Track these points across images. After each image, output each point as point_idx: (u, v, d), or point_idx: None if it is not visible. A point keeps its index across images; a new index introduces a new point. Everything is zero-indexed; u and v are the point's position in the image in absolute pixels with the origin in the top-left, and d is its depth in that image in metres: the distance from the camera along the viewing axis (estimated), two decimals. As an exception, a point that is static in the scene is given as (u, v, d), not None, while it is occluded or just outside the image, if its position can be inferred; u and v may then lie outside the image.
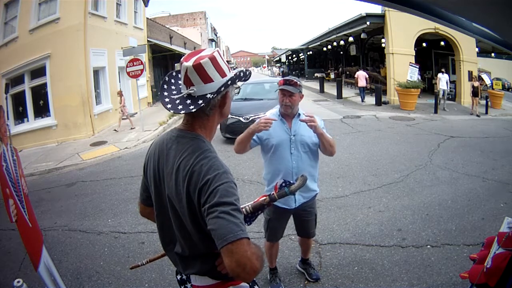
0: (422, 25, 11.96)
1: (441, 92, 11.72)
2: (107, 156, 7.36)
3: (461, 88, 12.89)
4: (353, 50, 17.50)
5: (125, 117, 9.93)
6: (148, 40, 14.77)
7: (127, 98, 12.93)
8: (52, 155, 7.79)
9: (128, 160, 6.92)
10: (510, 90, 16.54)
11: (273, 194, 1.55)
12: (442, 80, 11.87)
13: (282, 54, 37.97)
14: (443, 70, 12.54)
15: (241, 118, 7.16)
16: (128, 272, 2.91)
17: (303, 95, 2.29)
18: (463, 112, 11.44)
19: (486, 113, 11.28)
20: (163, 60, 17.85)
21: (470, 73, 12.82)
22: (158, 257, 1.56)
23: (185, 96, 1.12)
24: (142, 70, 9.50)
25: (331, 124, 9.02)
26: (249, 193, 4.39)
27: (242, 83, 1.19)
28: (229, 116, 6.50)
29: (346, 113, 10.87)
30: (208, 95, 1.09)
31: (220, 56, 1.14)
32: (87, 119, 9.46)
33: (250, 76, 1.22)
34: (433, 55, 15.87)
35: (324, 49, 23.19)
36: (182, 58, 1.14)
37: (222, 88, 1.11)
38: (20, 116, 9.30)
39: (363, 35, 13.96)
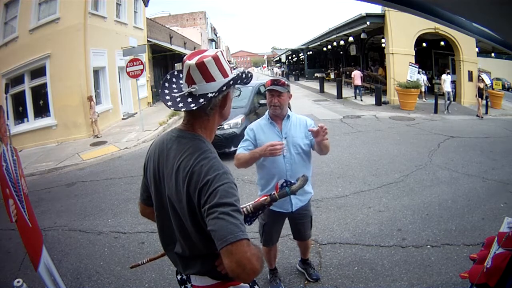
0: (422, 25, 11.96)
1: (446, 95, 11.30)
2: (107, 156, 7.36)
3: (461, 88, 12.90)
4: (353, 50, 17.50)
5: (93, 121, 9.19)
6: (148, 40, 14.77)
7: (127, 98, 12.97)
8: (52, 155, 7.79)
9: (128, 160, 6.92)
10: (510, 90, 16.53)
11: (274, 194, 1.55)
12: (447, 82, 11.44)
13: (282, 54, 37.97)
14: (448, 71, 12.18)
15: None
16: (128, 272, 2.92)
17: (291, 95, 2.26)
18: (463, 112, 11.44)
19: (486, 113, 11.28)
20: (163, 60, 17.86)
21: (470, 73, 12.82)
22: (158, 257, 1.56)
23: (186, 94, 1.12)
24: (142, 70, 9.50)
25: (331, 124, 9.02)
26: (249, 193, 4.39)
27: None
28: None
29: (346, 113, 10.87)
30: (210, 94, 1.09)
31: (223, 57, 1.14)
32: (87, 119, 9.47)
33: (251, 79, 1.22)
34: (433, 55, 15.88)
35: (324, 49, 23.19)
36: (185, 56, 1.14)
37: (224, 88, 1.11)
38: (20, 116, 9.30)
39: (363, 35, 13.96)
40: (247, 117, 6.86)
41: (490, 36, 1.14)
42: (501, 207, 3.87)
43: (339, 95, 14.58)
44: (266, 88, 2.20)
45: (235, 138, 6.15)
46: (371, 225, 3.54)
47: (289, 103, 2.38)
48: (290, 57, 35.89)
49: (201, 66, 1.08)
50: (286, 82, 2.21)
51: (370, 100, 13.37)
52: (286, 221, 2.45)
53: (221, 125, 6.05)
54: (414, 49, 12.82)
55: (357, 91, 14.19)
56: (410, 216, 3.71)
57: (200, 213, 1.06)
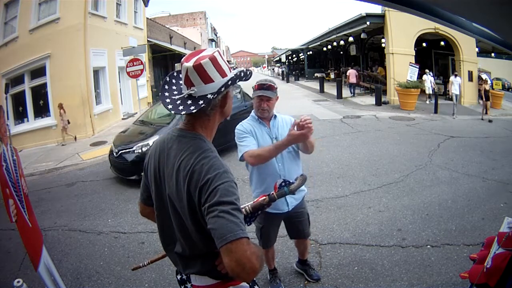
0: (422, 25, 11.95)
1: (454, 98, 10.87)
2: (107, 156, 7.34)
3: (462, 88, 12.88)
4: (353, 50, 17.50)
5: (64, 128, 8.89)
6: (148, 40, 14.76)
7: (127, 98, 12.97)
8: (52, 155, 7.79)
9: (128, 160, 6.91)
10: (510, 90, 16.53)
11: (272, 194, 1.55)
12: (455, 84, 11.02)
13: (282, 54, 37.95)
14: (456, 73, 11.82)
15: (115, 149, 5.64)
16: (128, 272, 2.92)
17: (278, 97, 2.23)
18: (463, 112, 11.42)
19: (486, 113, 11.27)
20: (163, 60, 17.86)
21: (470, 73, 12.81)
22: (159, 258, 1.56)
23: (186, 96, 1.13)
24: (142, 70, 9.50)
25: (331, 124, 9.02)
26: (249, 193, 4.36)
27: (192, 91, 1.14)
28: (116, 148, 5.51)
29: (346, 113, 10.87)
30: (209, 95, 1.09)
31: (221, 56, 1.14)
32: (87, 119, 9.46)
33: (251, 76, 1.22)
34: (433, 55, 15.87)
35: (324, 49, 23.17)
36: (183, 58, 1.14)
37: (223, 88, 1.11)
38: (20, 116, 9.30)
39: (363, 35, 13.95)
40: None
41: (490, 36, 1.14)
42: (501, 207, 3.87)
43: (339, 95, 14.58)
44: (256, 93, 2.15)
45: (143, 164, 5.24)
46: (371, 225, 3.54)
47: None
48: (290, 57, 35.88)
49: (199, 68, 1.08)
50: (275, 86, 2.18)
51: (370, 100, 13.36)
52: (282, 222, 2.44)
53: (130, 148, 5.41)
54: (414, 49, 12.81)
55: (352, 89, 15.19)
56: (410, 216, 3.71)
57: (200, 212, 1.07)
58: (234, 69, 1.22)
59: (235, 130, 2.20)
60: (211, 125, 1.20)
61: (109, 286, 2.83)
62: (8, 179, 1.77)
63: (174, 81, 1.23)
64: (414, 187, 4.57)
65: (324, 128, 8.39)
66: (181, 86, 1.17)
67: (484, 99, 10.43)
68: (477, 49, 13.26)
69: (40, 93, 9.32)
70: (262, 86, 2.14)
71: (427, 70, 13.00)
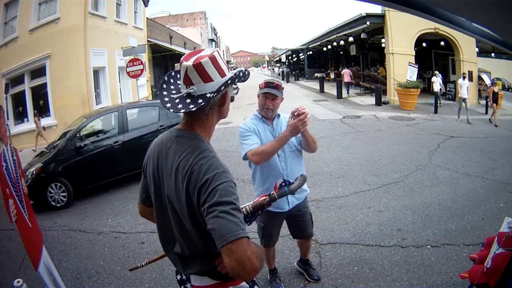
0: (422, 25, 11.96)
1: (461, 101, 10.16)
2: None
3: (431, 79, 12.87)
4: (353, 50, 17.50)
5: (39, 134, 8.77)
6: (148, 40, 14.76)
7: (127, 98, 12.96)
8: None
9: (128, 160, 6.91)
10: (510, 90, 16.54)
11: (273, 193, 1.55)
12: (463, 87, 10.28)
13: (282, 54, 37.95)
14: (465, 74, 11.10)
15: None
16: (128, 272, 2.91)
17: (283, 98, 2.24)
18: (463, 112, 11.41)
19: (486, 113, 11.26)
20: (163, 60, 17.86)
21: (470, 73, 12.79)
22: (157, 258, 1.56)
23: (184, 95, 1.13)
24: (142, 70, 9.49)
25: (331, 124, 9.02)
26: (249, 193, 4.38)
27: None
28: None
29: (346, 113, 10.87)
30: (208, 94, 1.10)
31: (220, 56, 1.14)
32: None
33: (249, 76, 1.22)
34: (433, 55, 15.87)
35: (324, 49, 23.18)
36: (182, 57, 1.15)
37: (222, 88, 1.11)
38: (20, 116, 9.31)
39: (363, 35, 13.96)
40: (61, 164, 4.82)
41: (490, 36, 1.14)
42: (501, 207, 3.87)
43: (339, 95, 14.58)
44: (262, 90, 2.16)
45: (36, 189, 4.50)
46: (371, 225, 3.54)
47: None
48: (290, 57, 35.90)
49: (199, 67, 1.08)
50: (281, 85, 2.18)
51: (370, 100, 13.36)
52: (285, 221, 2.45)
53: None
54: (414, 49, 12.81)
55: (347, 88, 15.91)
56: (410, 216, 3.71)
57: (199, 212, 1.06)
58: (234, 69, 1.22)
59: (238, 129, 2.20)
60: (209, 125, 1.20)
61: (109, 286, 2.83)
62: (8, 179, 1.78)
63: (172, 80, 1.23)
64: (414, 187, 4.57)
65: (324, 128, 8.39)
66: (179, 86, 1.17)
67: (492, 102, 9.89)
68: (477, 49, 13.26)
69: (40, 93, 9.33)
70: (269, 84, 2.14)
71: (436, 72, 12.48)
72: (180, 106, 1.11)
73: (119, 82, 12.23)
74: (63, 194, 4.76)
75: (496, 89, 10.28)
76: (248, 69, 1.40)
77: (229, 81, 1.12)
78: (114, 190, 5.16)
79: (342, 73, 16.61)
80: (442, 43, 13.64)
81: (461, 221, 3.54)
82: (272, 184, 1.76)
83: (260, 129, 2.19)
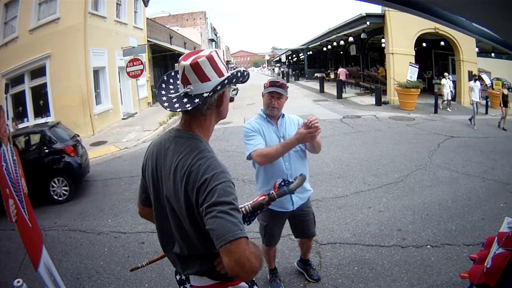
0: (422, 25, 11.95)
1: (474, 105, 9.38)
2: (107, 156, 7.36)
3: (461, 88, 12.88)
4: (353, 50, 17.50)
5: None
6: (148, 40, 14.77)
7: (127, 98, 12.98)
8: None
9: (128, 160, 6.92)
10: (510, 90, 16.53)
11: (272, 193, 1.55)
12: (475, 90, 9.65)
13: (282, 54, 37.95)
14: (476, 76, 10.52)
15: None
16: (128, 272, 2.91)
17: (287, 97, 2.25)
18: (463, 112, 11.41)
19: (486, 113, 11.26)
20: (163, 60, 17.86)
21: (470, 73, 12.78)
22: (157, 259, 1.56)
23: (182, 95, 1.13)
24: (142, 70, 9.50)
25: (331, 124, 9.02)
26: (249, 193, 4.39)
27: None
28: None
29: (346, 113, 10.87)
30: (205, 94, 1.10)
31: (218, 56, 1.14)
32: (87, 119, 9.47)
33: (248, 77, 1.22)
34: (433, 55, 15.87)
35: (324, 49, 23.18)
36: (181, 57, 1.15)
37: (219, 87, 1.11)
38: (20, 116, 9.30)
39: (363, 35, 13.95)
40: None
41: (490, 36, 1.14)
42: (501, 207, 3.87)
43: (339, 95, 14.58)
44: (267, 89, 2.18)
45: None
46: (371, 225, 3.54)
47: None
48: (290, 57, 35.89)
49: (196, 67, 1.09)
50: (286, 84, 2.21)
51: (370, 100, 13.36)
52: (286, 221, 2.45)
53: None
54: (414, 49, 12.80)
55: (343, 86, 16.21)
56: (410, 216, 3.71)
57: (198, 212, 1.06)
58: (234, 69, 1.22)
59: (243, 129, 2.22)
60: (207, 125, 1.20)
61: (109, 286, 2.83)
62: (8, 179, 1.78)
63: (171, 80, 1.24)
64: (414, 187, 4.57)
65: (324, 128, 8.30)
66: (178, 85, 1.18)
67: (502, 105, 9.18)
68: (477, 49, 13.25)
69: (40, 93, 9.32)
70: (274, 83, 2.16)
71: (446, 74, 11.88)
72: (177, 105, 1.12)
73: (119, 82, 12.24)
74: None
75: (505, 91, 9.67)
76: (248, 70, 1.39)
77: (225, 81, 1.12)
78: (114, 190, 5.16)
79: (338, 72, 17.19)
80: (442, 43, 13.64)
81: (461, 221, 3.55)
82: None
83: (264, 129, 2.20)
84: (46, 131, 5.38)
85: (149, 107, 14.41)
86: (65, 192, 5.00)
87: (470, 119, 9.18)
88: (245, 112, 11.65)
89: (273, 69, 43.30)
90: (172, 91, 1.19)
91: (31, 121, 9.26)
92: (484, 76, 12.94)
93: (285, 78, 27.83)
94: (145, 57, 12.40)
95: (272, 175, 2.16)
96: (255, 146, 2.06)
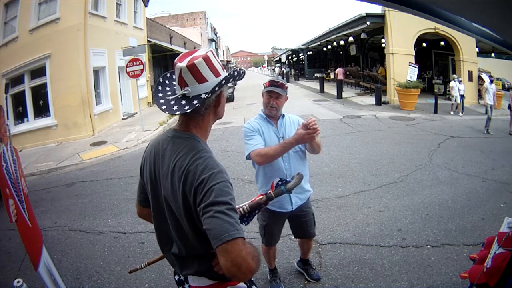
0: (422, 25, 11.95)
1: (489, 109, 8.55)
2: (107, 156, 7.36)
3: (449, 84, 12.86)
4: (353, 50, 17.50)
5: None
6: (148, 40, 14.77)
7: (127, 98, 12.98)
8: (52, 155, 7.79)
9: (128, 160, 6.92)
10: (510, 90, 16.53)
11: (270, 192, 1.55)
12: (490, 92, 8.81)
13: (282, 54, 37.96)
14: (492, 76, 9.87)
15: None
16: (128, 272, 2.92)
17: (287, 97, 2.25)
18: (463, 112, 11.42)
19: (486, 113, 11.24)
20: (163, 60, 17.86)
21: (470, 73, 12.78)
22: (156, 260, 1.56)
23: (179, 97, 1.12)
24: (142, 70, 9.50)
25: (331, 124, 9.02)
26: (249, 193, 4.39)
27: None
28: None
29: (346, 113, 10.87)
30: (203, 95, 1.09)
31: (214, 56, 1.14)
32: (87, 119, 9.46)
33: (244, 75, 1.22)
34: (433, 55, 15.87)
35: (324, 49, 23.17)
36: (176, 59, 1.14)
37: (217, 88, 1.11)
38: (20, 116, 9.30)
39: (363, 35, 13.96)
40: None
41: (490, 36, 1.14)
42: (501, 207, 3.87)
43: (339, 95, 14.59)
44: (266, 89, 2.18)
45: None
46: (371, 225, 3.54)
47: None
48: (290, 57, 35.89)
49: (192, 68, 1.08)
50: (286, 84, 2.20)
51: (370, 100, 13.36)
52: (286, 221, 2.45)
53: None
54: (414, 49, 12.80)
55: (340, 85, 16.18)
56: (410, 216, 3.71)
57: (196, 212, 1.06)
58: (236, 68, 1.22)
59: (243, 129, 2.22)
60: (205, 125, 1.20)
61: (109, 286, 2.83)
62: (8, 179, 1.77)
63: (167, 82, 1.23)
64: (414, 187, 4.57)
65: (324, 128, 8.38)
66: (175, 87, 1.17)
67: (511, 109, 8.35)
68: (477, 49, 13.25)
69: (40, 93, 9.32)
70: (273, 83, 2.16)
71: (455, 76, 11.20)
72: (175, 108, 1.11)
73: (119, 82, 12.24)
74: None
75: None
76: (245, 69, 1.39)
77: (223, 81, 1.12)
78: (114, 190, 5.16)
79: (336, 72, 17.42)
80: (442, 43, 13.64)
81: (461, 221, 3.55)
82: None
83: (264, 129, 2.20)
84: None
85: (149, 107, 14.40)
86: None
87: (486, 128, 8.17)
88: (245, 112, 11.65)
89: (273, 69, 43.29)
90: (169, 93, 1.19)
91: (31, 121, 9.27)
92: (484, 76, 12.93)
93: (285, 78, 27.83)
94: (145, 57, 12.40)
95: (271, 175, 2.15)
96: (254, 146, 2.06)
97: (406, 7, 0.98)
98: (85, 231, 3.86)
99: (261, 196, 1.53)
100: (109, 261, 3.19)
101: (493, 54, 15.49)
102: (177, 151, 1.13)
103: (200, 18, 38.86)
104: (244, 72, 1.22)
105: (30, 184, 4.54)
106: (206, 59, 1.10)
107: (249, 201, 1.53)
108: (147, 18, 16.06)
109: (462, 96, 10.69)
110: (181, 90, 1.11)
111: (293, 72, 31.23)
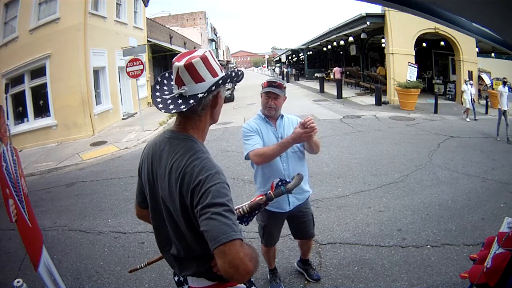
0: (422, 25, 11.95)
1: (502, 115, 7.80)
2: (107, 156, 7.36)
3: (461, 88, 12.87)
4: (353, 50, 17.51)
5: None
6: (148, 40, 14.77)
7: (127, 98, 12.98)
8: (52, 155, 7.79)
9: (128, 160, 6.92)
10: (510, 90, 16.51)
11: (269, 193, 1.55)
12: (504, 97, 8.10)
13: (282, 54, 37.95)
14: (505, 79, 9.07)
15: None
16: (128, 272, 2.91)
17: (286, 97, 2.25)
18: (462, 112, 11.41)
19: (486, 113, 11.25)
20: (163, 60, 17.86)
21: (470, 73, 12.77)
22: (156, 260, 1.56)
23: (176, 96, 1.12)
24: (142, 70, 9.50)
25: (331, 124, 9.02)
26: (249, 193, 4.39)
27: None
28: None
29: (346, 113, 10.87)
30: (199, 95, 1.09)
31: (212, 56, 1.14)
32: (87, 119, 9.46)
33: (242, 77, 1.21)
34: (433, 55, 15.87)
35: (324, 49, 23.17)
36: (174, 58, 1.14)
37: (213, 88, 1.10)
38: (20, 116, 9.30)
39: (363, 35, 13.96)
40: None
41: (490, 36, 1.14)
42: (501, 207, 3.87)
43: (339, 95, 14.59)
44: (264, 89, 2.17)
45: None
46: (371, 225, 3.54)
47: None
48: (290, 57, 35.89)
49: (190, 67, 1.08)
50: (284, 85, 2.20)
51: (370, 100, 13.36)
52: (286, 221, 2.45)
53: None
54: (414, 49, 12.80)
55: (340, 85, 16.45)
56: (410, 216, 3.71)
57: (193, 214, 1.06)
58: (233, 69, 1.22)
59: (242, 129, 2.21)
60: (202, 126, 1.19)
61: (109, 286, 2.83)
62: (8, 179, 1.77)
63: (165, 81, 1.23)
64: (414, 187, 4.57)
65: (324, 128, 8.39)
66: (172, 87, 1.17)
67: None
68: (477, 49, 13.25)
69: (40, 93, 9.32)
70: (271, 84, 2.16)
71: (467, 79, 10.58)
72: (171, 106, 1.11)
73: (119, 82, 12.24)
74: None
75: None
76: (245, 70, 1.38)
77: (220, 81, 1.11)
78: (114, 190, 5.16)
79: (333, 71, 18.10)
80: (442, 43, 13.64)
81: (461, 221, 3.55)
82: None
83: (263, 129, 2.20)
84: None
85: (149, 107, 14.40)
86: None
87: (507, 137, 7.36)
88: (245, 111, 11.65)
89: (274, 69, 43.29)
90: (166, 92, 1.19)
91: (31, 121, 9.27)
92: (484, 76, 12.92)
93: (285, 78, 27.83)
94: (145, 57, 12.40)
95: (270, 176, 2.15)
96: (253, 146, 2.06)
97: (406, 7, 0.98)
98: (85, 231, 3.86)
99: (261, 197, 1.53)
100: (109, 261, 3.18)
101: (493, 54, 15.46)
102: (174, 152, 1.12)
103: (200, 18, 38.86)
104: (242, 74, 1.21)
105: (30, 184, 4.53)
106: (204, 59, 1.10)
107: (249, 202, 1.53)
108: (147, 18, 16.07)
109: (473, 100, 9.97)
110: (178, 89, 1.11)
111: (294, 72, 31.19)
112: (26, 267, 3.02)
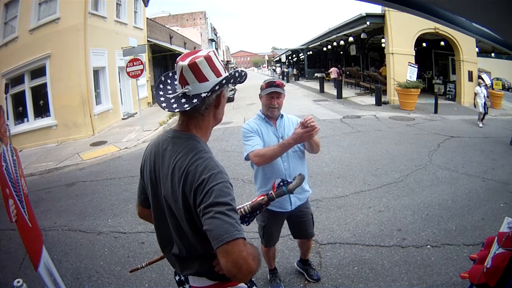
0: (422, 25, 11.95)
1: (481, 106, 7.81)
2: (107, 156, 7.36)
3: (461, 88, 12.88)
4: (353, 50, 17.49)
5: None
6: (148, 40, 14.77)
7: (127, 98, 12.98)
8: (52, 155, 7.79)
9: (128, 160, 6.92)
10: (510, 90, 16.52)
11: (271, 193, 1.55)
12: (480, 97, 8.30)
13: (282, 54, 37.94)
14: (482, 80, 9.10)
15: None
16: (128, 272, 2.91)
17: (285, 95, 2.26)
18: (463, 112, 11.42)
19: (486, 113, 11.24)
20: (163, 60, 17.86)
21: (470, 73, 12.77)
22: (157, 260, 1.56)
23: (180, 95, 1.13)
24: (142, 70, 9.50)
25: (331, 124, 9.02)
26: (249, 193, 4.39)
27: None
28: None
29: (346, 113, 10.87)
30: (203, 94, 1.10)
31: (216, 56, 1.14)
32: (87, 119, 9.46)
33: (246, 77, 1.21)
34: (433, 55, 15.87)
35: (324, 49, 23.17)
36: (178, 58, 1.15)
37: (217, 87, 1.11)
38: (20, 116, 9.30)
39: (363, 35, 13.96)
40: None
41: (490, 36, 1.14)
42: (501, 207, 3.87)
43: (339, 95, 14.59)
44: (266, 91, 2.17)
45: None
46: (371, 225, 3.54)
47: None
48: (290, 57, 35.88)
49: (194, 67, 1.08)
50: (283, 83, 2.22)
51: (370, 100, 13.35)
52: (286, 221, 2.45)
53: None
54: (414, 49, 12.80)
55: (335, 82, 16.78)
56: (410, 216, 3.71)
57: (196, 213, 1.06)
58: (234, 69, 1.22)
59: (241, 129, 2.21)
60: (205, 126, 1.19)
61: (109, 286, 2.83)
62: (8, 179, 1.77)
63: (169, 81, 1.24)
64: (414, 187, 4.57)
65: (324, 128, 8.38)
66: (176, 86, 1.18)
67: None
68: (477, 49, 13.25)
69: (40, 93, 9.32)
70: (272, 84, 2.16)
71: (480, 81, 9.87)
72: (175, 105, 1.12)
73: (119, 82, 12.23)
74: None
75: None
76: (245, 70, 1.38)
77: (223, 81, 1.12)
78: (114, 190, 5.16)
79: (330, 71, 18.41)
80: (442, 43, 13.64)
81: (461, 221, 3.55)
82: None
83: (263, 129, 2.20)
84: None
85: (149, 107, 14.41)
86: None
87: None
88: (245, 112, 11.65)
89: (274, 69, 43.27)
90: (170, 92, 1.19)
91: (31, 121, 9.27)
92: (484, 76, 12.91)
93: (285, 78, 27.82)
94: (145, 57, 12.40)
95: (270, 176, 2.15)
96: (253, 147, 2.06)
97: (406, 7, 0.98)
98: (85, 231, 3.86)
99: (262, 197, 1.53)
100: (109, 261, 3.18)
101: (493, 54, 15.48)
102: (177, 152, 1.12)
103: (200, 18, 38.84)
104: (246, 74, 1.21)
105: (30, 184, 4.53)
106: (208, 59, 1.10)
107: (250, 202, 1.53)
108: (147, 18, 16.06)
109: (485, 104, 9.13)
110: (182, 88, 1.12)
111: (295, 72, 31.19)
112: (26, 267, 3.02)
